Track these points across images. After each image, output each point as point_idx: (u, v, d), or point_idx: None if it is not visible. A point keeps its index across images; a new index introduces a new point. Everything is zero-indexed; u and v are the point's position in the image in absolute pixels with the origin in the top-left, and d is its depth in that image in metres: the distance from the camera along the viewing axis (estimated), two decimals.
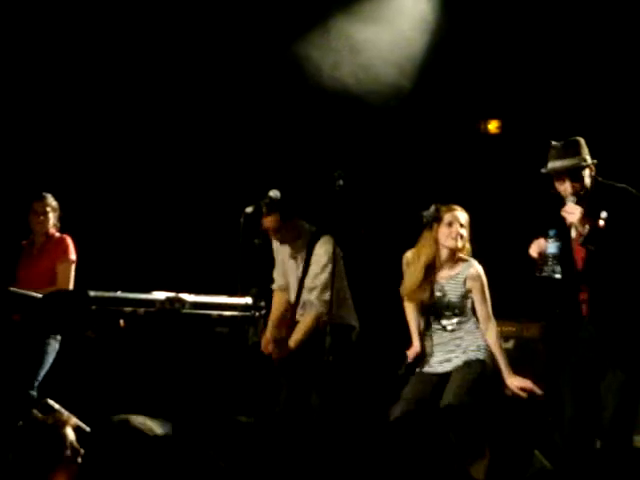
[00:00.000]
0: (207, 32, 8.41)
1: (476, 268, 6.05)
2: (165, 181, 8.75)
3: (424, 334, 6.09)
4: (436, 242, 6.03)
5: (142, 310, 6.78)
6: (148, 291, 6.93)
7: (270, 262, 6.84)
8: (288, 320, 6.86)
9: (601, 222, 5.43)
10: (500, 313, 7.96)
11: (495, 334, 6.02)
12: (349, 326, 6.69)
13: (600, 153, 5.68)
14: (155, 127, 8.71)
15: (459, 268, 6.04)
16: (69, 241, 7.20)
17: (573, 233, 5.53)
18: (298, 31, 8.05)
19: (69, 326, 6.75)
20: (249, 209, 6.47)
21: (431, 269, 6.02)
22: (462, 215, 6.07)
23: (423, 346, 6.08)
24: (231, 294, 6.76)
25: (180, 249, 8.61)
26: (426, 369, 6.06)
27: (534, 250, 5.54)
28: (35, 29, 8.33)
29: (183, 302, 6.79)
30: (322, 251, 6.53)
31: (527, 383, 5.93)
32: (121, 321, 6.75)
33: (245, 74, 8.51)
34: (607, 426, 5.46)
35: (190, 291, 6.90)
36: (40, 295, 6.74)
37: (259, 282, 6.58)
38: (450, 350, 6.02)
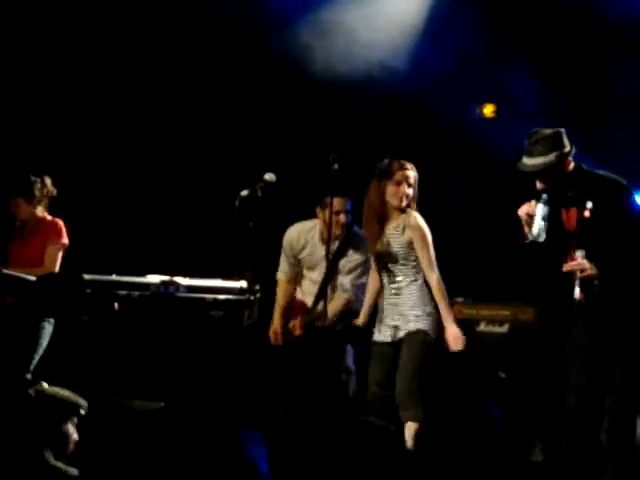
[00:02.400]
0: (200, 21, 8.38)
1: (415, 217, 6.09)
2: (160, 164, 8.74)
3: (381, 295, 6.17)
4: (382, 196, 6.08)
5: (136, 293, 6.77)
6: (143, 274, 6.93)
7: (265, 245, 6.82)
8: (294, 310, 6.90)
9: (587, 212, 5.39)
10: (495, 296, 8.02)
11: (435, 283, 6.04)
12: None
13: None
14: (150, 110, 8.70)
15: (400, 219, 6.09)
16: (61, 224, 7.15)
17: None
18: (293, 16, 8.04)
19: (63, 309, 6.74)
20: (244, 192, 6.46)
21: (383, 220, 6.10)
22: (412, 174, 6.12)
23: (378, 307, 6.17)
24: (226, 277, 6.76)
25: (175, 232, 8.59)
26: (378, 337, 6.10)
27: (523, 210, 5.42)
28: (35, 27, 8.30)
29: (178, 285, 6.78)
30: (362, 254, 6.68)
31: (460, 340, 6.04)
32: (115, 304, 6.74)
33: (239, 58, 8.49)
34: (610, 413, 5.42)
35: (185, 274, 6.89)
36: (33, 278, 6.73)
37: (254, 265, 6.56)
38: (395, 318, 6.05)
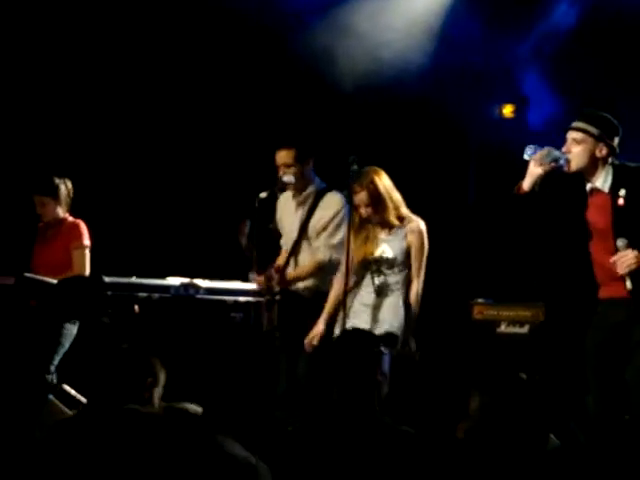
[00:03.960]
0: (208, 22, 8.38)
1: (417, 222, 6.13)
2: (181, 166, 8.75)
3: (352, 294, 6.12)
4: None
5: (157, 296, 6.80)
6: (163, 277, 6.95)
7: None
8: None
9: (620, 201, 5.36)
10: (516, 297, 8.00)
11: (417, 289, 6.08)
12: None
13: None
14: (171, 113, 8.71)
15: (400, 224, 6.10)
16: (83, 226, 7.18)
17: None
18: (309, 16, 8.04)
19: (84, 312, 6.76)
20: (263, 194, 6.44)
21: (373, 224, 6.08)
22: (360, 197, 6.06)
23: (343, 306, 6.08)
24: (246, 280, 6.77)
25: (195, 235, 8.60)
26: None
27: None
28: (37, 25, 8.32)
29: (198, 288, 6.80)
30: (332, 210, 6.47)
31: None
32: (136, 307, 6.76)
33: (258, 60, 8.49)
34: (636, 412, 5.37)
35: (205, 277, 6.91)
36: (55, 281, 6.75)
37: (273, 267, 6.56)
38: (367, 320, 6.02)
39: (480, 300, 8.06)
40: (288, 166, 6.46)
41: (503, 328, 7.91)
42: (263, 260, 6.52)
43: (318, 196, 6.51)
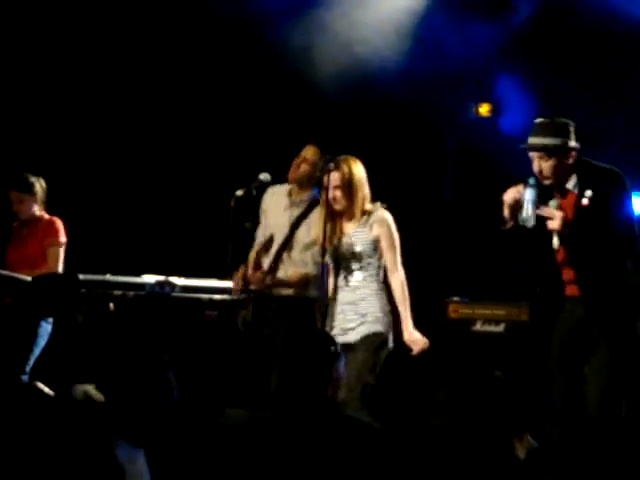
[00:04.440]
0: (195, 21, 8.37)
1: (383, 213, 6.05)
2: (155, 164, 8.72)
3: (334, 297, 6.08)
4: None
5: (132, 293, 6.78)
6: (138, 274, 6.93)
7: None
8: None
9: (585, 200, 5.41)
10: (491, 295, 8.02)
11: (399, 282, 6.02)
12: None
13: None
14: (145, 110, 8.69)
15: (365, 216, 6.04)
16: (59, 223, 7.17)
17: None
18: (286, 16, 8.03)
19: (58, 310, 6.73)
20: (240, 192, 6.42)
21: (339, 218, 6.04)
22: (333, 176, 6.00)
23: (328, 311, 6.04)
24: (221, 277, 6.75)
25: (170, 232, 8.58)
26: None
27: (510, 195, 5.41)
28: (32, 28, 8.30)
29: (173, 285, 6.79)
30: None
31: (421, 343, 6.00)
32: (111, 304, 6.74)
33: (231, 59, 8.48)
34: (594, 409, 5.44)
35: (180, 274, 6.89)
36: (29, 278, 6.73)
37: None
38: (351, 318, 5.97)
39: (455, 298, 8.08)
40: (306, 162, 6.46)
41: (479, 326, 7.94)
42: (239, 258, 6.51)
43: (311, 206, 6.47)
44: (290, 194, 6.56)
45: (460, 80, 8.64)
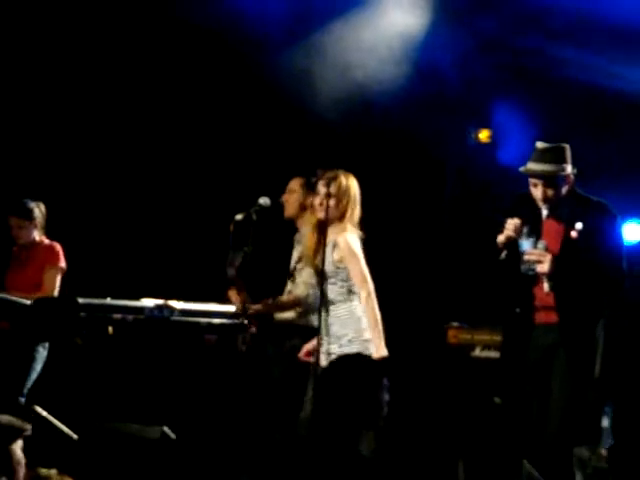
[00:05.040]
0: (196, 44, 8.41)
1: (342, 233, 5.96)
2: (155, 188, 8.73)
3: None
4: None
5: (131, 317, 6.77)
6: (137, 298, 6.92)
7: (259, 270, 6.81)
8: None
9: (573, 233, 5.44)
10: (490, 321, 8.02)
11: (364, 297, 5.91)
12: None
13: None
14: (146, 134, 8.70)
15: (332, 235, 5.99)
16: (58, 248, 7.19)
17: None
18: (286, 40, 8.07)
19: (58, 333, 6.72)
20: (239, 216, 6.44)
21: (321, 233, 5.98)
22: (323, 184, 6.01)
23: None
24: (221, 302, 6.75)
25: (170, 256, 8.59)
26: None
27: (510, 229, 5.43)
28: (33, 43, 8.33)
29: (172, 309, 6.78)
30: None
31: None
32: (110, 328, 6.74)
33: (232, 83, 8.52)
34: (550, 438, 5.45)
35: (179, 298, 6.89)
36: (28, 302, 6.72)
37: (248, 289, 6.56)
38: (327, 340, 5.93)
39: (455, 324, 8.08)
40: (292, 191, 6.61)
41: (477, 352, 7.93)
42: (239, 282, 6.51)
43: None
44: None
45: (459, 106, 8.67)
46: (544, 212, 5.50)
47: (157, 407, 6.44)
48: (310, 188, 6.16)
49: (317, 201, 6.04)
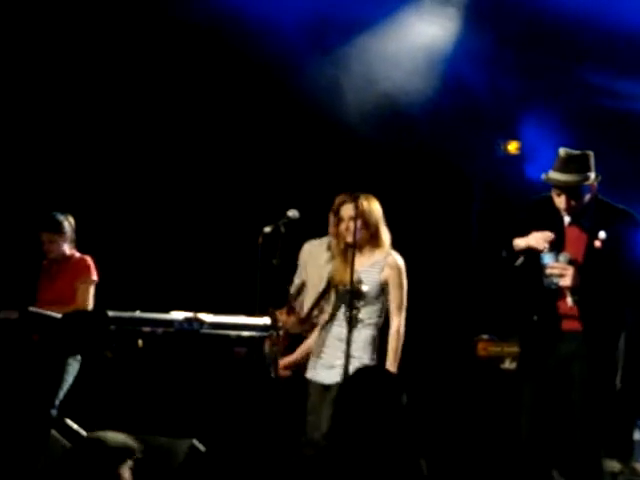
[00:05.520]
0: (225, 57, 8.45)
1: (394, 256, 6.04)
2: (184, 202, 8.77)
3: (323, 327, 6.10)
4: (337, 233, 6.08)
5: (160, 330, 6.78)
6: (167, 311, 6.94)
7: (288, 282, 6.82)
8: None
9: (597, 243, 5.40)
10: (506, 333, 7.99)
11: (397, 326, 5.97)
12: None
13: None
14: (178, 149, 8.75)
15: (377, 256, 6.02)
16: (90, 261, 7.24)
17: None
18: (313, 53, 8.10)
19: (88, 346, 6.76)
20: (267, 229, 6.44)
21: (351, 253, 5.96)
22: (349, 208, 6.02)
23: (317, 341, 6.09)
24: (250, 314, 6.76)
25: (199, 269, 8.61)
26: (314, 377, 6.04)
27: (539, 242, 5.39)
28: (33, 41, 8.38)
29: (202, 322, 6.78)
30: None
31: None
32: (139, 341, 6.76)
33: (262, 96, 8.54)
34: (577, 448, 5.40)
35: (209, 311, 6.89)
36: (59, 315, 6.76)
37: (277, 302, 6.56)
38: (339, 356, 5.92)
39: (484, 336, 8.05)
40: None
41: (507, 364, 7.89)
42: (266, 295, 6.52)
43: None
44: (329, 247, 6.59)
45: (487, 118, 8.66)
46: (566, 219, 5.48)
47: (186, 420, 6.44)
48: (335, 211, 6.15)
49: (343, 226, 6.05)
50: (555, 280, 5.37)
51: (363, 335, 6.00)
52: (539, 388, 5.50)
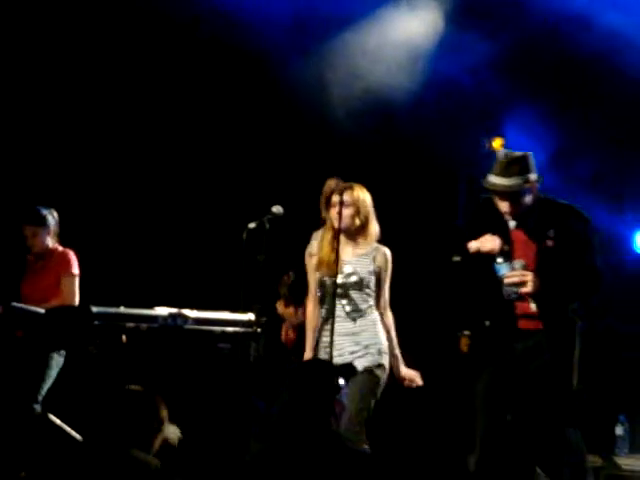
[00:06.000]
0: (210, 53, 8.44)
1: (385, 249, 6.09)
2: (168, 197, 8.77)
3: (325, 326, 6.06)
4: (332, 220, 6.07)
5: (145, 326, 6.78)
6: (151, 307, 6.93)
7: (272, 278, 6.83)
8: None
9: (549, 242, 5.35)
10: None
11: (391, 316, 6.05)
12: None
13: None
14: (158, 143, 8.74)
15: (369, 247, 6.05)
16: (71, 255, 7.21)
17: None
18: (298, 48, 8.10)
19: (71, 341, 6.75)
20: (252, 225, 6.46)
21: (342, 245, 5.99)
22: (345, 195, 6.01)
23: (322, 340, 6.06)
24: (234, 310, 6.76)
25: (183, 265, 8.61)
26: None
27: (489, 246, 5.35)
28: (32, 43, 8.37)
29: (186, 318, 6.79)
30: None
31: (416, 377, 6.07)
32: (123, 337, 6.75)
33: (245, 91, 8.54)
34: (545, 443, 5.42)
35: (193, 307, 6.90)
36: (43, 310, 6.76)
37: (262, 298, 6.57)
38: (353, 347, 5.94)
39: (467, 332, 8.06)
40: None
41: None
42: (251, 291, 6.52)
43: None
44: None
45: (472, 114, 8.67)
46: (511, 224, 5.42)
47: (170, 415, 6.44)
48: (328, 199, 6.14)
49: (334, 211, 6.05)
50: (515, 289, 5.33)
51: (369, 322, 6.01)
52: (494, 384, 5.48)
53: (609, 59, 7.86)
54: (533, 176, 5.40)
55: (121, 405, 4.34)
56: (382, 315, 6.07)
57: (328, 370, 4.41)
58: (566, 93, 8.41)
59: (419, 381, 6.13)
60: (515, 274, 5.32)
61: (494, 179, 5.39)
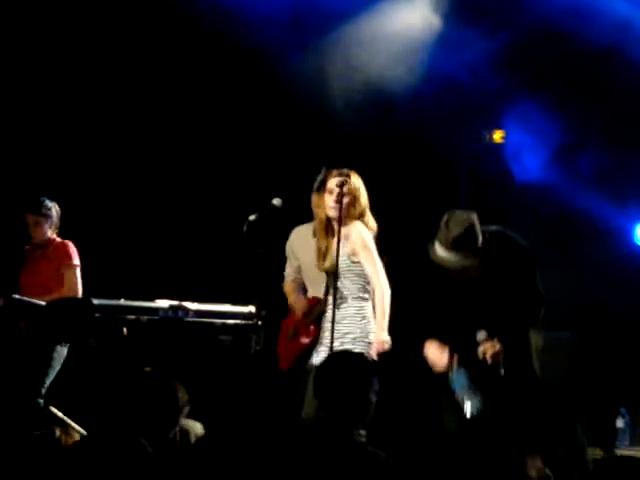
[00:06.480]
0: (209, 47, 8.44)
1: (356, 226, 5.96)
2: (169, 189, 8.76)
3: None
4: (324, 209, 6.01)
5: (145, 318, 6.80)
6: (152, 299, 6.95)
7: (272, 270, 6.82)
8: None
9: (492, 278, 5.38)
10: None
11: (378, 291, 5.92)
12: None
13: None
14: (159, 136, 8.73)
15: (345, 229, 5.94)
16: (71, 246, 7.20)
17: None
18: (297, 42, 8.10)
19: (72, 334, 6.75)
20: (252, 217, 6.44)
21: (330, 233, 5.96)
22: (335, 181, 5.98)
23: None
24: (234, 302, 6.77)
25: (184, 257, 8.61)
26: (316, 360, 5.89)
27: (438, 365, 5.43)
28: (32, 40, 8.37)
29: (186, 310, 6.81)
30: None
31: (384, 344, 5.89)
32: (124, 329, 6.76)
33: (246, 85, 8.54)
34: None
35: (193, 299, 6.91)
36: (44, 303, 6.75)
37: (262, 290, 6.57)
38: (334, 338, 5.87)
39: None
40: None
41: None
42: (251, 284, 6.52)
43: None
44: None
45: (472, 107, 8.66)
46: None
47: None
48: (321, 186, 6.12)
49: (331, 200, 6.03)
50: (474, 401, 5.33)
51: (351, 311, 5.96)
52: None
53: (611, 53, 7.84)
54: (480, 240, 5.34)
55: (138, 387, 4.31)
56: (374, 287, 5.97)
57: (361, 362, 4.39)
58: (568, 87, 8.39)
59: (379, 347, 5.96)
60: (491, 349, 5.31)
61: (440, 251, 5.36)
